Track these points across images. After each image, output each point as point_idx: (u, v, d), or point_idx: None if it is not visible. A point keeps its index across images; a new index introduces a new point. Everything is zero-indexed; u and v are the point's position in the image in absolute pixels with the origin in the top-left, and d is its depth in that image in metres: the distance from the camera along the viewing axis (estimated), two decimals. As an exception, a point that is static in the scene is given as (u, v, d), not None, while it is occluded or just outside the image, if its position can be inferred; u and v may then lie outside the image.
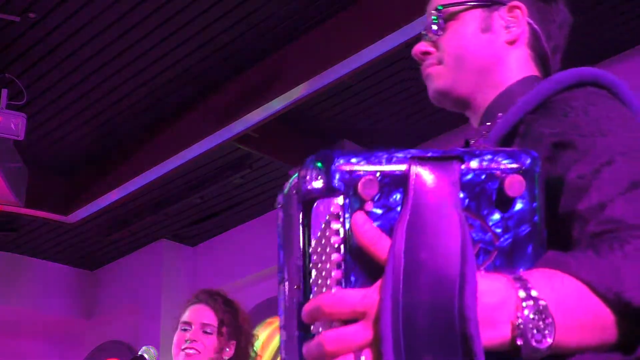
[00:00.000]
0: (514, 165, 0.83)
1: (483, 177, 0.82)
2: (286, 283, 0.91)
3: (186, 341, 2.69)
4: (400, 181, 0.80)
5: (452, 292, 0.74)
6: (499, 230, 0.83)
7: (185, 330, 2.72)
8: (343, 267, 0.79)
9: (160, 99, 4.53)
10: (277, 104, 4.21)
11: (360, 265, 0.79)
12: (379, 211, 0.80)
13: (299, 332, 0.85)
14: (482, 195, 0.82)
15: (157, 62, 4.18)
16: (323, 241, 0.81)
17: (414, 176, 0.79)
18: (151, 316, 6.20)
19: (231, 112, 4.39)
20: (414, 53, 1.34)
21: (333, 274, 0.79)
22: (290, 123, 4.55)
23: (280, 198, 0.94)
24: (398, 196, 0.80)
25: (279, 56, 4.13)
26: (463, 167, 0.82)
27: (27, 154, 4.56)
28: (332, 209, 0.80)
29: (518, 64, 1.28)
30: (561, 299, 0.79)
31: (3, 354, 7.10)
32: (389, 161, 0.81)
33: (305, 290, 0.84)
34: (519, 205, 0.83)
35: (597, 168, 0.95)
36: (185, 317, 2.75)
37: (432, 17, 1.31)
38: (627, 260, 0.82)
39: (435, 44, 1.31)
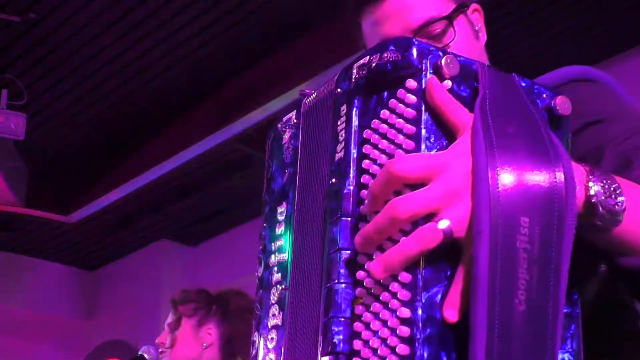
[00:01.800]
0: (557, 93, 0.86)
1: (533, 95, 0.84)
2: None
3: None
4: (473, 75, 0.81)
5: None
6: None
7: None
8: (415, 142, 0.77)
9: (160, 99, 4.53)
10: (277, 104, 4.21)
11: (432, 142, 0.77)
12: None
13: (352, 219, 0.79)
14: (536, 111, 0.82)
15: (157, 62, 4.18)
16: (389, 122, 0.79)
17: (486, 75, 0.80)
18: (151, 316, 6.20)
19: (231, 112, 4.39)
20: None
21: (406, 145, 0.77)
22: (290, 123, 4.54)
23: (305, 105, 0.92)
24: (465, 89, 0.80)
25: (279, 56, 4.13)
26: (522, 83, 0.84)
27: (27, 154, 4.56)
28: (407, 84, 0.78)
29: None
30: (627, 186, 0.82)
31: (3, 354, 7.10)
32: (457, 56, 0.81)
33: (355, 176, 0.80)
34: (565, 125, 0.85)
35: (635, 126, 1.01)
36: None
37: (437, 30, 1.22)
38: None
39: None
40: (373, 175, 0.78)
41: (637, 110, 1.09)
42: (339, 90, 0.86)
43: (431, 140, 0.77)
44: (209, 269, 6.26)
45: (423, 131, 0.77)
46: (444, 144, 0.77)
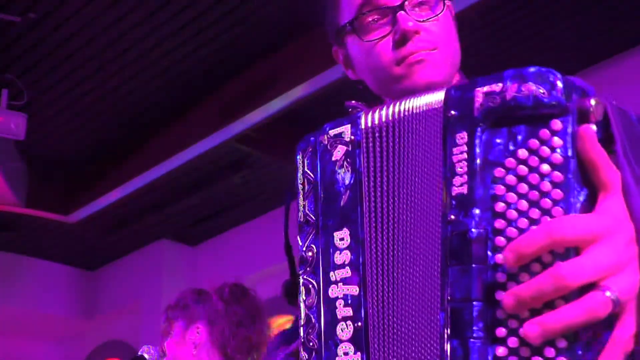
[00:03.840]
0: None
1: None
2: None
3: None
4: (604, 115, 0.75)
5: None
6: None
7: None
8: (564, 190, 0.71)
9: (160, 99, 4.53)
10: (277, 104, 4.21)
11: (584, 187, 0.73)
12: None
13: (483, 266, 0.73)
14: None
15: (157, 62, 4.18)
16: (528, 163, 0.73)
17: (617, 117, 0.76)
18: (151, 316, 6.20)
19: (231, 112, 4.39)
20: (407, 28, 1.10)
21: (554, 195, 0.71)
22: (290, 123, 4.54)
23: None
24: (595, 127, 0.74)
25: (279, 56, 4.13)
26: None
27: (27, 154, 4.56)
28: (553, 126, 0.73)
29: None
30: None
31: (3, 354, 7.10)
32: (589, 91, 0.76)
33: (493, 218, 0.73)
34: None
35: None
36: None
37: None
38: None
39: (423, 24, 1.13)
40: (509, 222, 0.73)
41: None
42: (452, 112, 0.79)
43: (577, 191, 0.72)
44: (209, 269, 6.26)
45: (571, 180, 0.71)
46: (586, 196, 0.72)
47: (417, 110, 0.85)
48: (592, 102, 0.73)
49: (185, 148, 4.68)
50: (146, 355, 2.77)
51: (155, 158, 4.86)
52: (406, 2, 1.11)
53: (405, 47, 1.11)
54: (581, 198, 0.72)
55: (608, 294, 0.68)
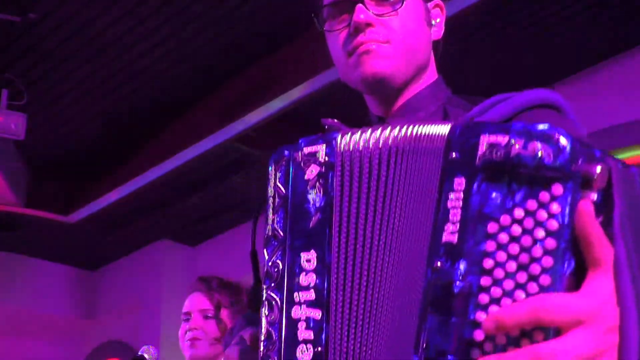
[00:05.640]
0: None
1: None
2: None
3: (187, 331, 2.72)
4: (608, 180, 0.72)
5: None
6: None
7: (186, 320, 2.77)
8: (554, 258, 0.69)
9: (160, 99, 4.53)
10: (277, 104, 4.21)
11: (570, 261, 0.70)
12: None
13: (458, 319, 0.71)
14: None
15: (157, 63, 4.18)
16: (523, 225, 0.71)
17: (620, 183, 0.73)
18: (151, 316, 6.20)
19: (231, 112, 4.39)
20: (358, 20, 1.14)
21: (544, 262, 0.69)
22: (290, 123, 4.55)
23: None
24: (596, 196, 0.72)
25: (279, 56, 4.13)
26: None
27: (27, 154, 4.56)
28: (553, 190, 0.70)
29: (433, 66, 1.24)
30: None
31: (3, 354, 7.10)
32: (596, 153, 0.73)
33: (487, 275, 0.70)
34: None
35: None
36: (185, 307, 2.81)
37: None
38: None
39: (380, 18, 1.16)
40: (495, 281, 0.71)
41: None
42: (454, 155, 0.76)
43: (568, 261, 0.70)
44: (209, 269, 6.25)
45: (564, 249, 0.70)
46: (572, 267, 0.71)
47: (414, 144, 0.82)
48: (598, 169, 0.71)
49: (185, 148, 4.67)
50: (146, 355, 2.77)
51: (156, 158, 4.86)
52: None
53: (357, 38, 1.15)
54: (569, 269, 0.70)
55: None
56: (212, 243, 6.35)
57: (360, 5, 1.15)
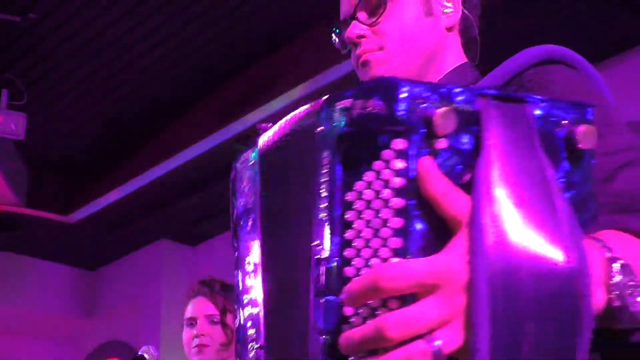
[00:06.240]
0: (580, 117, 0.71)
1: (550, 125, 0.70)
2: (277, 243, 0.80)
3: (194, 337, 2.69)
4: (475, 119, 0.67)
5: None
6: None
7: (191, 325, 2.73)
8: (405, 217, 0.65)
9: (160, 99, 4.53)
10: (277, 104, 4.21)
11: (425, 218, 0.66)
12: (445, 153, 0.67)
13: (335, 297, 0.68)
14: (551, 145, 0.69)
15: (157, 63, 4.18)
16: (373, 187, 0.67)
17: (490, 116, 0.67)
18: (151, 316, 6.20)
19: (231, 112, 4.39)
20: (349, 36, 1.20)
21: (392, 223, 0.66)
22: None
23: (263, 144, 0.83)
24: (466, 138, 0.67)
25: (279, 56, 4.13)
26: (536, 112, 0.69)
27: (27, 154, 4.56)
28: (394, 145, 0.66)
29: (454, 51, 1.24)
30: (636, 259, 0.71)
31: (3, 354, 7.10)
32: (456, 95, 0.67)
33: (339, 248, 0.69)
34: (587, 160, 0.71)
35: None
36: (189, 312, 2.76)
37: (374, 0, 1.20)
38: None
39: (371, 28, 1.20)
40: (358, 251, 0.68)
41: (616, 113, 0.98)
42: (322, 128, 0.73)
43: (419, 218, 0.66)
44: (209, 269, 6.25)
45: (413, 207, 0.65)
46: (428, 225, 0.66)
47: (289, 129, 0.81)
48: (437, 113, 0.65)
49: (185, 148, 4.68)
50: (146, 355, 2.77)
51: (155, 158, 4.87)
52: (357, 10, 1.20)
53: (356, 52, 1.22)
54: (425, 227, 0.65)
55: (433, 344, 0.63)
56: (212, 243, 6.35)
57: (353, 21, 1.21)
